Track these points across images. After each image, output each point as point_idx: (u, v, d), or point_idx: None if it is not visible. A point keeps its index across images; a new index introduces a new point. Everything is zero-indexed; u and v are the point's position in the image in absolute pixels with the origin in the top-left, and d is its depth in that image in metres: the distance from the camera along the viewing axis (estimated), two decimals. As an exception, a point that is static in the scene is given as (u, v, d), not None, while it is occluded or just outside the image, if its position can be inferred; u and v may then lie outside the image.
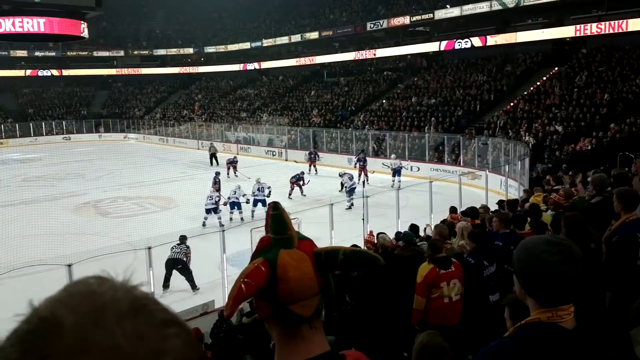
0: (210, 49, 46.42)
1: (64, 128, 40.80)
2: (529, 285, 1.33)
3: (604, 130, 15.79)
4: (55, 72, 46.04)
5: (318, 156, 22.56)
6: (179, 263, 9.44)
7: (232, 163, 21.60)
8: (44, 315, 0.45)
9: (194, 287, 9.43)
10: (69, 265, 7.15)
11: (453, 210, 9.33)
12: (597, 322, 1.34)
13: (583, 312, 1.33)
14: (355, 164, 19.33)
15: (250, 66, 42.18)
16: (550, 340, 1.27)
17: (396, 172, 17.91)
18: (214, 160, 24.63)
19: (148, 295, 0.49)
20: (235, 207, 14.04)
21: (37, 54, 44.81)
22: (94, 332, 0.43)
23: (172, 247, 9.52)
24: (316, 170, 21.42)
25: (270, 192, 14.35)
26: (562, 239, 1.36)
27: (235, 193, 14.11)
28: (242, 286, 0.94)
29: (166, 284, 9.44)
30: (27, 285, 8.44)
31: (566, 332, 1.28)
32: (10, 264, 8.31)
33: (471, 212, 7.88)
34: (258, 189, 14.37)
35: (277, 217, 1.02)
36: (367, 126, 26.12)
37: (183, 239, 9.73)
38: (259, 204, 14.06)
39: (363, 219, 10.22)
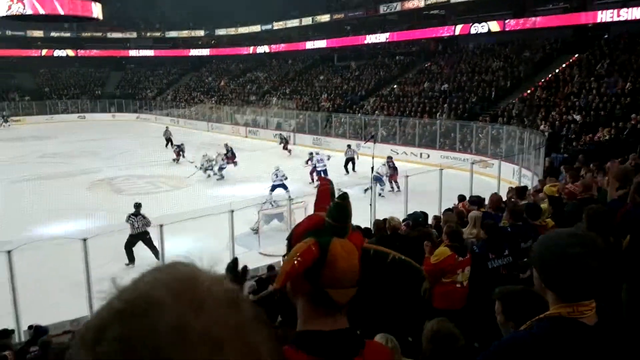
0: (221, 32, 46.24)
1: (79, 107, 41.48)
2: (550, 279, 1.28)
3: (624, 120, 15.39)
4: (70, 53, 46.56)
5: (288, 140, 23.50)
6: (146, 234, 9.53)
7: (179, 149, 21.41)
8: (145, 295, 0.44)
9: (158, 255, 9.44)
10: (85, 240, 7.38)
11: (462, 198, 9.20)
12: (620, 319, 1.30)
13: (605, 308, 1.28)
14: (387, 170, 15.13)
15: (261, 49, 42.01)
16: (570, 336, 1.22)
17: (378, 180, 13.86)
18: (169, 145, 24.16)
19: (238, 288, 0.49)
20: (281, 188, 14.04)
21: (52, 34, 45.19)
22: (194, 317, 0.43)
23: (130, 221, 9.59)
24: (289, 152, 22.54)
25: (286, 178, 14.46)
26: (585, 231, 1.33)
27: (277, 176, 14.35)
28: (295, 263, 0.98)
29: (131, 258, 9.56)
30: (45, 257, 8.78)
31: (587, 329, 1.23)
32: (29, 235, 8.65)
33: (478, 200, 7.76)
34: (276, 176, 14.42)
35: (343, 207, 1.04)
36: (376, 112, 25.92)
37: (138, 206, 9.82)
38: (280, 189, 14.11)
39: (370, 205, 10.20)
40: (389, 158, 15.76)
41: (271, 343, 0.47)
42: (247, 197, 13.85)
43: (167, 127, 26.63)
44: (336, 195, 1.11)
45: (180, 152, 21.13)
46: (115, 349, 0.41)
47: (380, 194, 13.61)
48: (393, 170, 15.07)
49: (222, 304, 0.45)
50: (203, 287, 0.45)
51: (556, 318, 1.25)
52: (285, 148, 23.01)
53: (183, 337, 0.41)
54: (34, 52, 45.25)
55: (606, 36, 22.27)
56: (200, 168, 17.83)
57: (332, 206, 1.05)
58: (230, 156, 18.92)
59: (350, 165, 18.36)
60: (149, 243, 9.64)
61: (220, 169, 17.89)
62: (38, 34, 44.74)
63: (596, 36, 22.83)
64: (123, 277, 0.50)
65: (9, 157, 20.78)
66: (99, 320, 0.43)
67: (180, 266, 0.48)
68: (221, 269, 0.51)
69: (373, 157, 11.21)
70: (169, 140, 24.76)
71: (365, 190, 12.75)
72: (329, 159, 16.87)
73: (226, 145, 19.41)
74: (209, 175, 17.81)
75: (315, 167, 16.47)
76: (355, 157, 18.28)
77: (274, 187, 14.24)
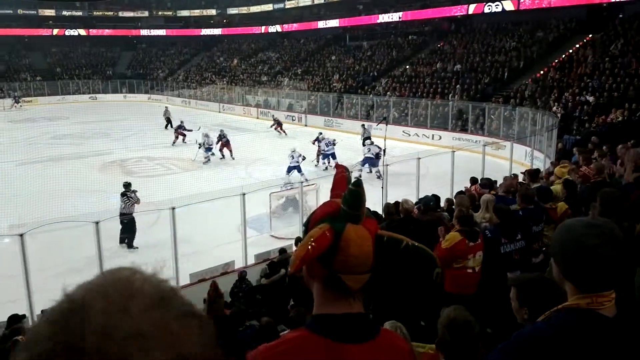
0: (232, 10, 45.84)
1: (91, 88, 41.54)
2: (568, 269, 1.27)
3: (637, 102, 15.17)
4: (82, 32, 46.52)
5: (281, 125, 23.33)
6: (126, 216, 9.43)
7: (180, 128, 21.05)
8: (76, 299, 0.48)
9: (130, 245, 9.44)
10: (97, 223, 7.40)
11: (474, 181, 9.18)
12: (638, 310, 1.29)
13: (625, 299, 1.27)
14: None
15: (272, 29, 41.62)
16: (589, 327, 1.20)
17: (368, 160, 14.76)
18: (169, 126, 24.19)
19: (174, 288, 0.52)
20: (295, 171, 14.29)
21: (64, 13, 45.15)
22: (120, 318, 0.46)
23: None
24: (285, 133, 22.68)
25: (304, 158, 14.62)
26: (604, 221, 1.30)
27: (293, 158, 14.46)
28: (309, 248, 0.99)
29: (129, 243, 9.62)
30: (57, 240, 8.81)
31: (606, 320, 1.21)
32: (40, 218, 8.57)
33: (489, 183, 7.77)
34: (292, 157, 14.50)
35: (357, 194, 1.05)
36: (388, 93, 25.70)
37: (127, 186, 9.91)
38: (295, 171, 14.29)
39: (382, 187, 10.20)
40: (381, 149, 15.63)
41: (205, 340, 0.49)
42: (258, 179, 14.00)
43: (166, 107, 26.56)
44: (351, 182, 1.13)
45: (181, 133, 20.80)
46: (47, 349, 0.45)
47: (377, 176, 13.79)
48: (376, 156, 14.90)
49: (152, 303, 0.48)
50: (134, 288, 0.48)
51: (574, 309, 1.24)
52: (277, 129, 22.94)
53: (110, 337, 0.44)
54: (45, 32, 45.25)
55: (621, 16, 21.69)
56: (200, 147, 17.52)
57: (347, 193, 1.06)
58: (224, 142, 18.12)
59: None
60: (127, 225, 9.50)
61: (209, 149, 17.49)
62: (49, 12, 44.72)
63: (610, 16, 22.25)
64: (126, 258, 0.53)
65: (20, 138, 20.89)
66: (38, 323, 0.48)
67: (119, 271, 0.51)
68: (167, 273, 0.55)
69: (385, 139, 11.16)
70: (168, 120, 24.64)
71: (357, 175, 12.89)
72: (334, 143, 16.62)
73: (222, 130, 18.60)
74: (209, 156, 17.59)
75: (324, 150, 16.40)
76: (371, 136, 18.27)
77: (290, 169, 14.37)
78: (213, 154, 17.63)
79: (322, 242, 1.00)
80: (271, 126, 23.40)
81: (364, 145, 18.32)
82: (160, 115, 25.45)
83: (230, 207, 9.17)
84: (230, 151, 18.16)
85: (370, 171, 14.42)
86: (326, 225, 1.03)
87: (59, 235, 8.64)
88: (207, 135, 17.69)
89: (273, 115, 25.55)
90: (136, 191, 10.09)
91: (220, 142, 18.10)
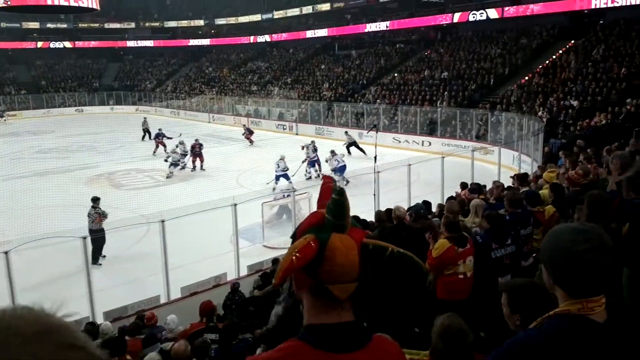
0: (221, 21, 45.91)
1: (77, 100, 41.10)
2: (558, 275, 1.27)
3: (620, 105, 15.47)
4: (67, 44, 46.13)
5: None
6: (91, 232, 9.09)
7: (160, 136, 20.93)
8: None
9: (94, 261, 9.05)
10: (84, 238, 7.29)
11: (464, 186, 9.25)
12: (630, 315, 1.29)
13: (615, 304, 1.28)
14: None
15: (261, 38, 41.73)
16: (580, 334, 1.21)
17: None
18: (146, 136, 24.30)
19: (61, 322, 0.54)
20: (283, 178, 14.42)
21: (49, 25, 44.79)
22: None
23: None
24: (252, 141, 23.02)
25: (287, 169, 14.69)
26: (591, 226, 1.31)
27: (279, 167, 14.57)
28: (293, 259, 0.99)
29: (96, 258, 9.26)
30: (43, 256, 8.65)
31: (597, 326, 1.22)
32: (26, 234, 8.39)
33: (477, 188, 7.85)
34: (278, 166, 14.61)
35: (340, 203, 1.04)
36: (378, 100, 25.91)
37: (93, 201, 9.81)
38: (283, 180, 14.39)
39: (374, 194, 10.22)
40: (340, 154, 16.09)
41: None
42: (250, 189, 13.94)
43: (145, 118, 26.49)
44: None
45: (161, 142, 20.50)
46: None
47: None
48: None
49: (31, 337, 0.50)
50: (16, 324, 0.51)
51: (565, 315, 1.25)
52: (248, 138, 23.04)
53: None
54: (29, 44, 44.77)
55: (602, 22, 22.19)
56: (167, 159, 17.10)
57: (330, 203, 1.06)
58: (196, 152, 17.56)
59: (353, 149, 18.91)
60: (92, 242, 8.96)
61: (174, 164, 16.86)
62: (34, 25, 44.26)
63: (592, 22, 22.77)
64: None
65: (4, 153, 20.37)
66: None
67: (11, 308, 0.54)
68: (70, 307, 0.58)
69: (376, 146, 11.21)
70: (146, 131, 24.45)
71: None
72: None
73: (197, 140, 17.95)
74: (182, 168, 17.16)
75: (311, 157, 16.39)
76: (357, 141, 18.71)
77: (277, 177, 14.45)
78: (182, 169, 17.13)
79: (306, 253, 1.00)
80: (243, 134, 23.45)
81: (348, 148, 18.65)
82: (149, 126, 25.24)
83: (222, 218, 9.06)
84: (202, 162, 17.77)
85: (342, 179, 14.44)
86: (311, 235, 1.02)
87: (46, 252, 8.48)
88: (174, 152, 17.15)
89: (244, 124, 25.74)
90: (104, 214, 9.81)
91: (192, 153, 17.66)
